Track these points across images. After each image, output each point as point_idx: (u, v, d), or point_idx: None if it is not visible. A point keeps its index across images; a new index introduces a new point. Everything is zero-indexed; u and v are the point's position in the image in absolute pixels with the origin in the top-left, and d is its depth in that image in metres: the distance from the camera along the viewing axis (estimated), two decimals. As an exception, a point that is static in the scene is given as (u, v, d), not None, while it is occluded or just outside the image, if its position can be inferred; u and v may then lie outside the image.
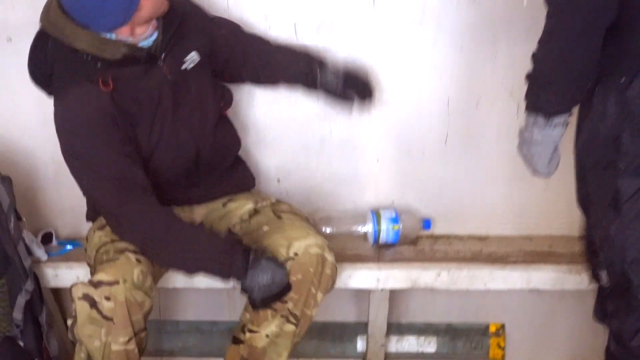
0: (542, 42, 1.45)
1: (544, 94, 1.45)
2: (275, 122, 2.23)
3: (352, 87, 1.91)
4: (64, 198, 2.20)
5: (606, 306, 1.60)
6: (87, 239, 1.93)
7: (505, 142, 2.06)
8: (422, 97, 2.18)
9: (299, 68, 1.94)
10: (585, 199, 1.62)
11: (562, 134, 1.51)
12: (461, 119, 2.19)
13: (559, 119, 1.48)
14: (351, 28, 2.11)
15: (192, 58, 1.77)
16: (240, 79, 2.05)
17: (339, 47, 2.10)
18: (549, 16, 1.41)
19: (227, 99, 2.00)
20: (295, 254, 1.70)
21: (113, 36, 1.60)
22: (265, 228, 1.81)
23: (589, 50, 1.39)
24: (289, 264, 1.72)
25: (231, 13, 2.10)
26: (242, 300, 1.91)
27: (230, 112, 2.09)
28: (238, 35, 1.97)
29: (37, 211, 2.31)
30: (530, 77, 1.50)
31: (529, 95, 1.50)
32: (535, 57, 1.48)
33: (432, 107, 2.18)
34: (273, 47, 2.00)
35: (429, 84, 2.16)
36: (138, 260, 1.65)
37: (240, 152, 2.12)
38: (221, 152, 1.97)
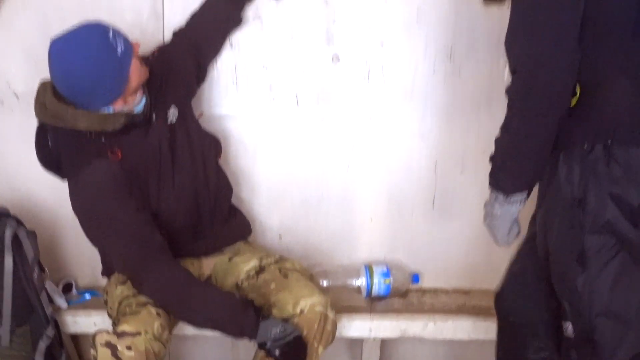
0: (502, 128, 1.56)
1: (503, 175, 1.58)
2: (277, 182, 2.42)
3: None
4: (83, 251, 2.36)
5: (570, 355, 1.68)
6: (106, 291, 2.03)
7: (488, 204, 2.26)
8: (411, 162, 2.38)
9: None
10: (545, 256, 1.69)
11: (520, 209, 1.61)
12: (447, 182, 2.39)
13: (516, 197, 1.58)
14: (348, 99, 2.34)
15: (173, 112, 1.94)
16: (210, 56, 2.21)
17: (337, 117, 2.33)
18: (508, 107, 1.56)
19: (217, 147, 2.12)
20: (302, 311, 1.80)
21: (110, 109, 1.76)
22: (273, 285, 1.92)
23: (544, 140, 1.51)
24: (295, 320, 1.85)
25: (238, 84, 2.31)
26: (245, 348, 2.07)
27: (236, 173, 2.31)
28: (182, 43, 2.13)
29: (59, 263, 2.49)
30: (492, 159, 1.61)
31: (491, 175, 1.61)
32: (496, 141, 1.59)
33: (420, 171, 2.38)
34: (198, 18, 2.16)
35: (418, 150, 2.37)
36: (158, 314, 1.78)
37: (245, 208, 2.32)
38: (219, 197, 2.07)
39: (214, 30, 2.20)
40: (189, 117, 2.03)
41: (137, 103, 1.83)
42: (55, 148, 1.82)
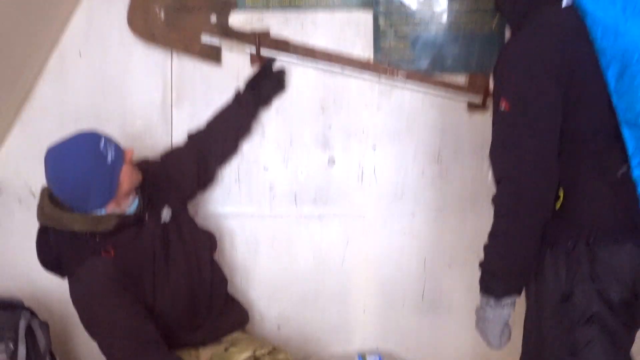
0: (490, 236, 1.66)
1: (492, 280, 1.66)
2: (277, 276, 2.57)
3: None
4: (93, 343, 2.48)
5: None
6: None
7: (474, 298, 2.39)
8: (402, 258, 2.54)
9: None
10: (537, 347, 1.76)
11: (510, 312, 1.68)
12: (436, 277, 2.54)
13: (507, 300, 1.66)
14: (343, 199, 2.52)
15: (167, 212, 2.06)
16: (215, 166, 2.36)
17: (333, 215, 2.50)
18: (495, 215, 1.63)
19: (212, 242, 2.22)
20: None
21: (103, 211, 1.88)
22: None
23: (530, 246, 1.61)
24: None
25: (240, 184, 2.49)
26: None
27: (237, 266, 2.48)
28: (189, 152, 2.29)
29: (70, 353, 2.61)
30: (481, 265, 1.69)
31: (481, 281, 1.69)
32: (485, 248, 1.68)
33: (411, 266, 2.54)
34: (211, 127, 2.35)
35: (409, 247, 2.53)
36: None
37: (245, 299, 2.46)
38: (214, 291, 2.15)
39: (228, 138, 2.35)
40: (182, 217, 2.13)
41: (129, 204, 1.95)
42: (55, 248, 1.91)
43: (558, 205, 1.62)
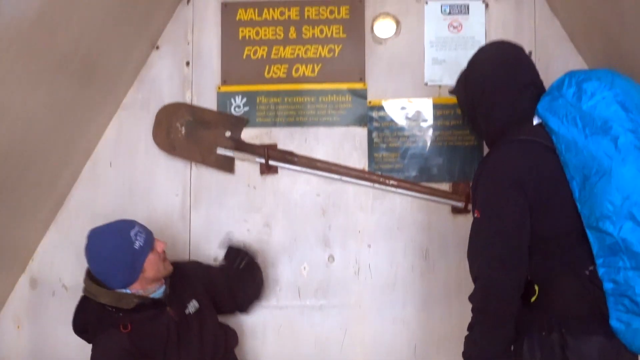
0: (468, 328, 1.85)
1: None
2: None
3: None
4: None
5: None
6: None
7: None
8: (395, 343, 2.79)
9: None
10: None
11: None
12: (425, 362, 2.81)
13: None
14: (341, 292, 2.80)
15: (193, 304, 2.25)
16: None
17: (332, 306, 2.79)
18: (472, 310, 1.83)
19: (231, 338, 2.40)
20: None
21: (127, 291, 2.09)
22: None
23: (500, 338, 1.78)
24: None
25: (252, 278, 2.78)
26: None
27: (248, 354, 2.73)
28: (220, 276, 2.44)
29: None
30: (463, 355, 1.88)
31: None
32: (465, 339, 1.86)
33: (402, 352, 2.79)
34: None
35: (400, 333, 2.79)
36: None
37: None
38: None
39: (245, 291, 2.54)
40: (208, 312, 2.29)
41: (154, 290, 2.15)
42: (86, 315, 2.13)
43: (533, 298, 1.80)
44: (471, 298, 1.87)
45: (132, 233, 2.10)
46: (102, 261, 2.08)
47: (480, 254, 1.83)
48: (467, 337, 1.89)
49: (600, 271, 1.68)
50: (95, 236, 2.12)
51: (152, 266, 2.12)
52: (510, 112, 1.90)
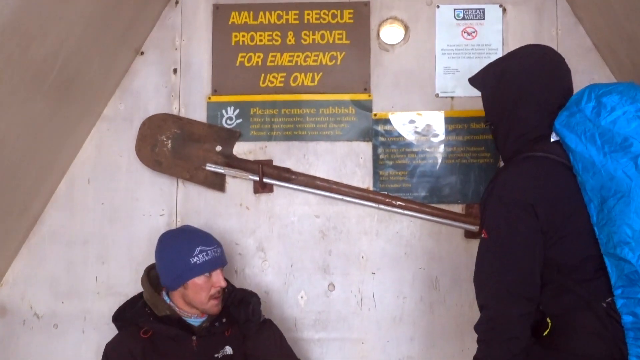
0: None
1: None
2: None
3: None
4: None
5: None
6: None
7: None
8: (403, 382, 2.58)
9: None
10: None
11: None
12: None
13: None
14: (342, 325, 2.59)
15: (226, 351, 2.16)
16: None
17: (332, 340, 2.57)
18: (477, 340, 1.72)
19: None
20: None
21: (167, 299, 2.11)
22: None
23: None
24: None
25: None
26: None
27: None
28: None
29: None
30: None
31: None
32: None
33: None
34: None
35: (408, 371, 2.57)
36: None
37: None
38: None
39: None
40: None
41: (191, 316, 2.14)
42: (130, 308, 2.17)
43: (546, 333, 1.70)
44: (477, 328, 1.75)
45: (199, 249, 2.11)
46: (161, 255, 2.16)
47: (487, 280, 1.71)
48: None
49: (619, 303, 1.57)
50: (176, 232, 2.24)
51: (195, 289, 2.10)
52: (529, 128, 1.80)
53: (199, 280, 2.09)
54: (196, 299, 2.11)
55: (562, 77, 1.85)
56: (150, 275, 2.19)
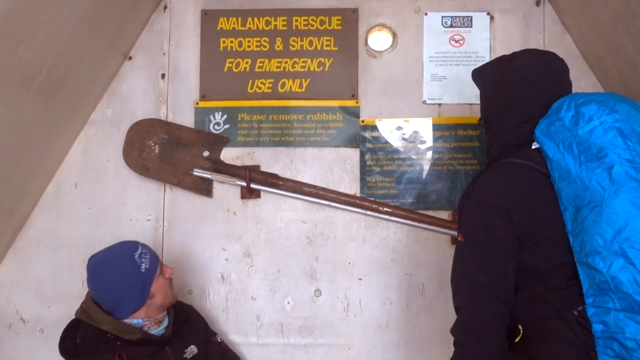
0: None
1: None
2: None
3: None
4: None
5: None
6: None
7: None
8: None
9: None
10: None
11: None
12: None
13: None
14: (328, 330, 2.63)
15: (192, 350, 2.20)
16: None
17: (318, 346, 2.61)
18: (453, 343, 1.71)
19: None
20: None
21: (134, 321, 2.06)
22: None
23: None
24: None
25: (229, 313, 2.59)
26: None
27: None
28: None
29: None
30: None
31: None
32: None
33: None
34: None
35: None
36: None
37: None
38: None
39: None
40: (204, 357, 2.26)
41: (158, 320, 2.13)
42: (81, 340, 2.05)
43: (517, 339, 1.70)
44: (452, 330, 1.74)
45: (137, 255, 2.07)
46: (109, 291, 2.05)
47: (462, 282, 1.73)
48: None
49: (590, 311, 1.60)
50: (98, 264, 2.08)
51: (160, 291, 2.11)
52: (513, 135, 1.82)
53: (159, 281, 2.11)
54: (163, 298, 2.12)
55: (557, 88, 1.83)
56: (98, 305, 2.07)
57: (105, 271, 2.06)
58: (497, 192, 1.71)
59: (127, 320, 2.07)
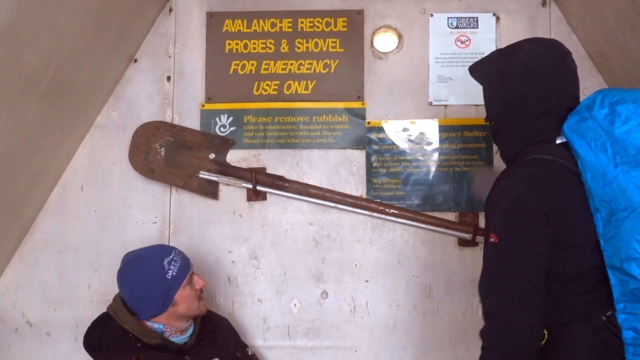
0: None
1: None
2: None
3: None
4: None
5: None
6: None
7: None
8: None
9: None
10: None
11: None
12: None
13: None
14: (335, 332, 2.64)
15: None
16: None
17: (325, 348, 2.61)
18: (481, 347, 1.66)
19: None
20: None
21: (155, 325, 2.07)
22: None
23: None
24: None
25: (235, 316, 2.59)
26: None
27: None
28: None
29: None
30: None
31: None
32: None
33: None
34: None
35: (401, 380, 2.60)
36: None
37: None
38: None
39: None
40: None
41: (181, 329, 2.12)
42: (106, 334, 2.07)
43: (542, 343, 1.66)
44: (482, 334, 1.69)
45: (166, 261, 2.08)
46: (133, 289, 2.07)
47: (497, 288, 1.66)
48: None
49: (620, 318, 1.55)
50: (129, 262, 2.11)
51: (184, 301, 2.10)
52: (534, 130, 1.76)
53: (184, 290, 2.10)
54: (186, 309, 2.12)
55: (572, 76, 1.80)
56: (124, 303, 2.11)
57: (133, 270, 2.09)
58: (535, 192, 1.65)
59: (148, 324, 2.08)
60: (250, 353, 2.39)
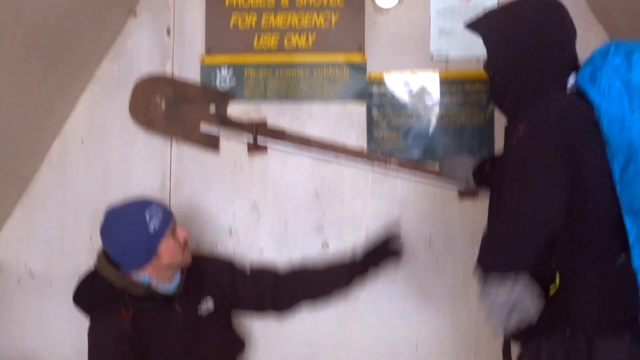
0: (497, 213, 1.72)
1: (498, 252, 1.67)
2: None
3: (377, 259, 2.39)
4: None
5: None
6: None
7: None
8: (394, 342, 2.64)
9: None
10: None
11: (517, 293, 1.61)
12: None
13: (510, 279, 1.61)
14: (336, 284, 2.60)
15: (207, 306, 2.22)
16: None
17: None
18: (499, 216, 1.69)
19: (239, 346, 2.38)
20: None
21: (140, 276, 2.08)
22: None
23: (541, 221, 1.58)
24: None
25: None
26: None
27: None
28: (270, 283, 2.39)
29: None
30: (485, 239, 1.72)
31: (485, 256, 1.72)
32: (490, 222, 1.77)
33: (402, 352, 2.64)
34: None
35: (400, 330, 2.65)
36: None
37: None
38: None
39: (314, 293, 2.43)
40: (221, 315, 2.28)
41: (168, 280, 2.14)
42: (95, 290, 2.11)
43: (552, 291, 1.66)
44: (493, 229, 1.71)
45: (148, 214, 2.06)
46: (115, 243, 2.08)
47: (525, 178, 1.60)
48: (491, 219, 1.83)
49: (637, 262, 1.56)
50: (110, 216, 2.11)
51: (168, 253, 2.09)
52: (543, 82, 1.76)
53: (167, 242, 2.09)
54: (170, 260, 2.11)
55: (572, 35, 1.81)
56: (108, 258, 2.12)
57: (115, 223, 2.09)
58: (545, 132, 1.63)
59: (134, 277, 2.10)
60: (250, 268, 2.42)
